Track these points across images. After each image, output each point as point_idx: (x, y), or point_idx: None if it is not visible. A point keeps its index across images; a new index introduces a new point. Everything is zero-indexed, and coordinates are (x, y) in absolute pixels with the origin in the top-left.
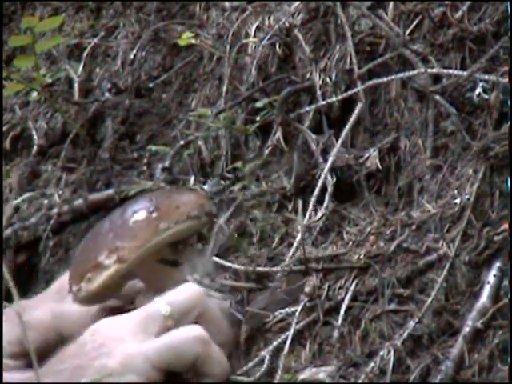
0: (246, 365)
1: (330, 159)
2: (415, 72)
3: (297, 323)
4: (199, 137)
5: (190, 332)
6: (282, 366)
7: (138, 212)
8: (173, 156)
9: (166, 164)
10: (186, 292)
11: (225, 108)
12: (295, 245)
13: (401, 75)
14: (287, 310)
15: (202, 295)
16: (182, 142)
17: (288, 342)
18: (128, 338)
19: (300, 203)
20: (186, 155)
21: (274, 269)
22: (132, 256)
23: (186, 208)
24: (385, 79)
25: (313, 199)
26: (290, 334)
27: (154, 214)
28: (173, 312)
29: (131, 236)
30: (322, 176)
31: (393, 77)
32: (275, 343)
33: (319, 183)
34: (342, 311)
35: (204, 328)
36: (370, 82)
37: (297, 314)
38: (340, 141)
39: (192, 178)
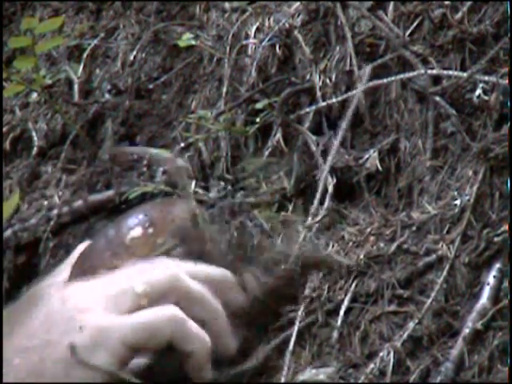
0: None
1: (329, 159)
2: (415, 73)
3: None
4: (199, 139)
5: (164, 312)
6: (287, 365)
7: (134, 229)
8: None
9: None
10: (165, 272)
11: (224, 110)
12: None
13: (401, 76)
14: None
15: (182, 277)
16: (182, 145)
17: (292, 341)
18: (99, 312)
19: (300, 203)
20: (186, 157)
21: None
22: None
23: (181, 220)
24: (385, 80)
25: (313, 200)
26: (293, 333)
27: (150, 230)
28: (148, 291)
29: (129, 254)
30: (322, 176)
31: (393, 78)
32: (276, 342)
33: (319, 184)
34: (342, 312)
35: (184, 307)
36: (370, 84)
37: (299, 313)
38: (337, 141)
39: (193, 183)
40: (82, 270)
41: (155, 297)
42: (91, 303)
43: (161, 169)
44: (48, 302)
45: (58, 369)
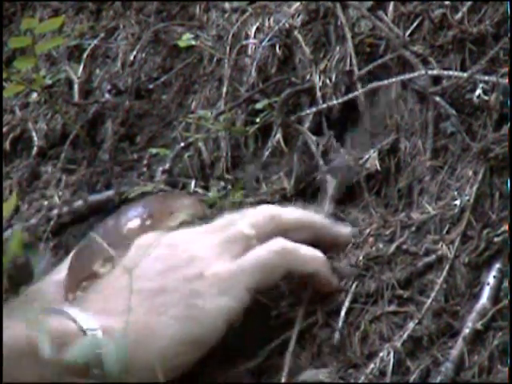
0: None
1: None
2: (415, 74)
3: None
4: (199, 138)
5: (274, 246)
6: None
7: (132, 220)
8: (173, 158)
9: (166, 166)
10: (267, 212)
11: (224, 110)
12: None
13: (401, 78)
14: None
15: (282, 213)
16: (182, 144)
17: (292, 342)
18: (215, 259)
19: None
20: (186, 157)
21: None
22: None
23: (179, 215)
24: (385, 82)
25: (313, 200)
26: (294, 333)
27: (148, 222)
28: (256, 232)
29: (125, 244)
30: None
31: (393, 80)
32: (276, 342)
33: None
34: (342, 313)
35: (286, 237)
36: (370, 86)
37: (299, 313)
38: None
39: (193, 182)
40: (81, 259)
41: (263, 235)
42: (204, 250)
43: (160, 168)
44: (155, 249)
45: (176, 314)
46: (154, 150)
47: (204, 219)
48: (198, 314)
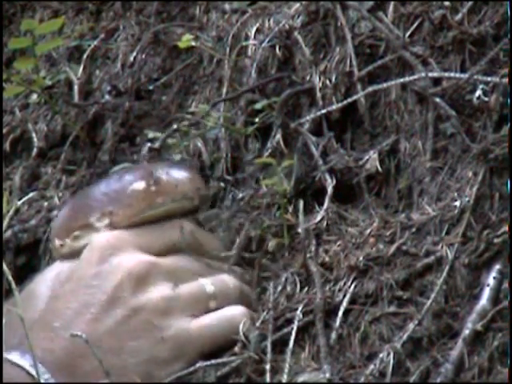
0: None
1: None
2: (416, 76)
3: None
4: (198, 135)
5: (236, 317)
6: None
7: (138, 181)
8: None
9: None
10: (231, 276)
11: (224, 99)
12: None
13: (401, 80)
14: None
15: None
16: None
17: (291, 342)
18: (177, 316)
19: (301, 204)
20: (185, 158)
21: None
22: (123, 224)
23: (184, 188)
24: (385, 85)
25: (313, 201)
26: (293, 333)
27: (153, 188)
28: (218, 293)
29: (127, 204)
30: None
31: (393, 82)
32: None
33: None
34: (341, 313)
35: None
36: (370, 89)
37: (298, 314)
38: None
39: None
40: (76, 209)
41: (223, 299)
42: (166, 305)
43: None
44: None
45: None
46: (150, 133)
47: (205, 198)
48: (151, 380)
